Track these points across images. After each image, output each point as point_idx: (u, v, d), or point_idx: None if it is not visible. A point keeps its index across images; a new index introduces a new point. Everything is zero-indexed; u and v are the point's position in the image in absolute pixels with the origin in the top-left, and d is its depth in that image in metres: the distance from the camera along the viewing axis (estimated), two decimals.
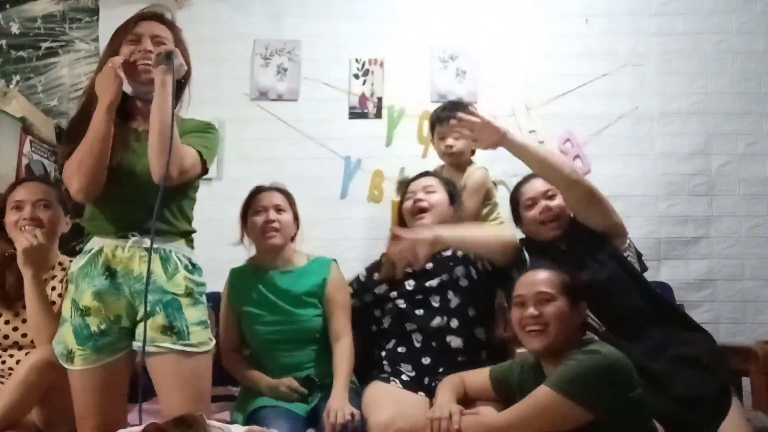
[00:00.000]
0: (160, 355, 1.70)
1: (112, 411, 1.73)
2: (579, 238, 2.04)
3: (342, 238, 3.02)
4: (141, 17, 1.81)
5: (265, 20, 3.27)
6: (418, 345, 2.10)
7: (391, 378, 2.06)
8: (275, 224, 2.20)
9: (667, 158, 3.11)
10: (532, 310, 1.68)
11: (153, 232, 1.66)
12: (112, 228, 1.75)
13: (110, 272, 1.72)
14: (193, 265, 1.82)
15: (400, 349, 2.13)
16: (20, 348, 2.06)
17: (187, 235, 1.86)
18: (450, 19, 3.22)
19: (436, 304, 2.12)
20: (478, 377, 1.88)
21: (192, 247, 1.86)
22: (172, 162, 1.67)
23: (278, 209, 2.23)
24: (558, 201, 2.10)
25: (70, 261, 2.17)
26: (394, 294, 2.19)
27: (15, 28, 3.32)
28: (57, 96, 3.28)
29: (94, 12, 3.32)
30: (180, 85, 1.80)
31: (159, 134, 1.65)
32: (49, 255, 2.10)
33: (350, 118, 3.20)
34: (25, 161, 2.89)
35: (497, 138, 1.98)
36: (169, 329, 1.71)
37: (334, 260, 2.30)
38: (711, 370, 1.81)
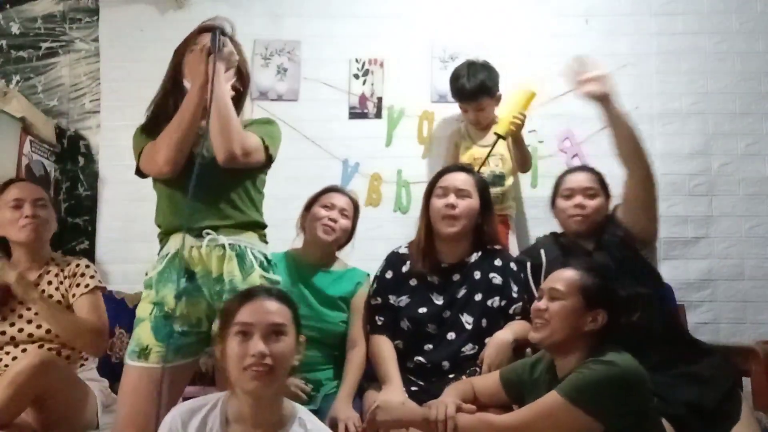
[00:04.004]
0: None
1: (159, 416, 1.60)
2: (608, 242, 2.03)
3: None
4: (202, 29, 1.84)
5: (265, 20, 3.27)
6: (429, 366, 2.04)
7: None
8: (335, 224, 2.23)
9: (667, 158, 3.10)
10: (539, 303, 1.70)
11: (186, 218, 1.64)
12: (186, 226, 1.73)
13: (189, 274, 1.71)
14: (269, 261, 1.82)
15: (410, 363, 2.07)
16: (16, 345, 2.07)
17: (259, 228, 1.85)
18: (450, 19, 3.22)
19: (459, 323, 2.06)
20: (488, 380, 1.85)
21: (266, 242, 1.86)
22: (234, 140, 1.69)
23: (343, 213, 2.27)
24: (596, 202, 2.09)
25: (74, 262, 2.21)
26: (423, 309, 2.10)
27: (15, 28, 3.31)
28: (57, 96, 3.27)
29: (94, 12, 3.31)
30: (240, 93, 1.87)
31: (217, 113, 1.68)
32: (43, 252, 2.20)
33: (350, 118, 3.20)
34: (25, 161, 2.89)
35: (603, 94, 1.90)
36: None
37: (369, 274, 2.32)
38: (711, 383, 1.81)
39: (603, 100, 1.91)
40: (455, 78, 2.81)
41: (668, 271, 3.01)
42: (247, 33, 3.24)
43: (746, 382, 2.16)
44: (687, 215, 3.07)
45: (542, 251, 2.16)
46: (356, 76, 3.22)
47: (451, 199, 2.09)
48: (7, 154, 2.80)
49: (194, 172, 1.64)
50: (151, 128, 1.81)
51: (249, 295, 1.49)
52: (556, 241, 2.18)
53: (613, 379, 1.52)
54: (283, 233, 2.74)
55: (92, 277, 2.19)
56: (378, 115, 3.19)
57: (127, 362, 1.72)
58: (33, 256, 2.18)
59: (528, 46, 3.18)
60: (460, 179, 2.15)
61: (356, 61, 3.22)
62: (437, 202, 2.13)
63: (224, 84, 1.72)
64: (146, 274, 1.80)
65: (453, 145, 2.95)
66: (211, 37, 1.73)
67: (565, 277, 1.69)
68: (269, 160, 1.85)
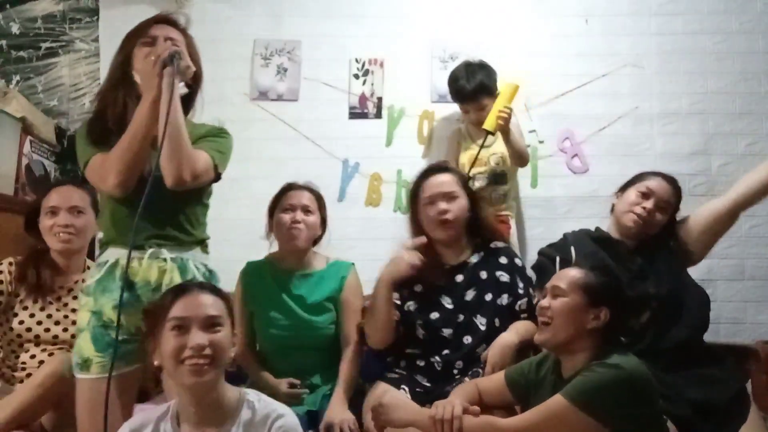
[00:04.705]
0: None
1: (116, 424, 1.64)
2: (650, 247, 2.05)
3: (341, 238, 3.01)
4: (155, 21, 1.82)
5: (265, 20, 3.27)
6: (438, 368, 2.02)
7: (402, 386, 1.98)
8: (300, 225, 2.18)
9: (667, 158, 3.10)
10: (543, 301, 1.70)
11: (132, 237, 1.60)
12: (127, 239, 1.69)
13: (128, 284, 1.69)
14: (210, 271, 1.82)
15: (421, 362, 2.05)
16: (38, 344, 2.07)
17: (203, 243, 1.85)
18: (450, 19, 3.22)
19: (474, 325, 2.04)
20: (493, 381, 1.84)
21: (207, 252, 1.85)
22: (185, 165, 1.66)
23: (306, 210, 2.21)
24: (662, 217, 2.09)
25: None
26: (435, 315, 2.07)
27: (15, 28, 3.31)
28: (57, 96, 3.28)
29: (94, 12, 3.31)
30: (191, 92, 1.81)
31: (169, 138, 1.63)
32: (79, 259, 2.22)
33: (350, 118, 3.20)
34: (25, 161, 2.89)
35: None
36: None
37: (353, 264, 2.29)
38: (721, 383, 1.81)
39: None
40: (454, 80, 2.81)
41: None
42: (247, 33, 3.25)
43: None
44: (687, 215, 3.06)
45: (572, 248, 2.13)
46: (356, 76, 3.22)
47: (442, 205, 2.07)
48: (7, 154, 2.80)
49: (146, 191, 1.59)
50: (97, 132, 1.76)
51: (182, 290, 1.49)
52: (592, 238, 2.16)
53: (619, 383, 1.51)
54: None
55: None
56: (378, 115, 3.19)
57: (75, 374, 1.72)
58: (69, 262, 2.20)
59: (528, 46, 3.18)
60: (445, 183, 2.12)
61: (356, 61, 3.22)
62: (429, 211, 2.10)
63: (177, 103, 1.66)
64: (83, 281, 1.79)
65: (453, 145, 2.94)
66: (168, 58, 1.65)
67: (567, 275, 1.69)
68: (218, 177, 1.82)
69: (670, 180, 2.17)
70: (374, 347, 2.11)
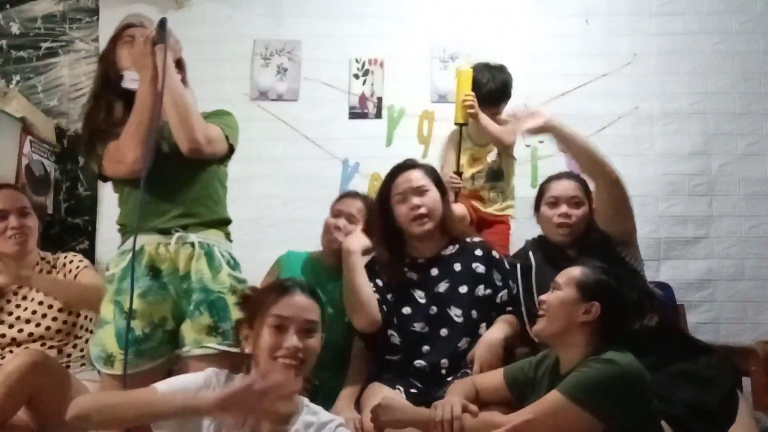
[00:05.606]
0: (205, 357, 1.65)
1: None
2: (590, 247, 2.03)
3: None
4: (126, 26, 1.84)
5: (265, 20, 3.27)
6: (427, 371, 2.00)
7: (397, 386, 1.96)
8: (339, 232, 2.23)
9: (667, 158, 3.10)
10: (543, 296, 1.74)
11: (136, 218, 1.62)
12: (152, 224, 1.72)
13: (154, 272, 1.69)
14: (235, 260, 1.82)
15: (411, 368, 2.03)
16: (18, 345, 2.07)
17: (225, 225, 1.85)
18: (450, 19, 3.22)
19: (448, 317, 2.03)
20: (491, 379, 1.84)
21: (231, 241, 1.86)
22: (197, 128, 1.68)
23: (351, 219, 2.25)
24: (581, 211, 2.09)
25: (62, 255, 2.23)
26: (407, 309, 2.07)
27: (15, 28, 3.32)
28: (57, 96, 3.28)
29: (94, 12, 3.32)
30: (182, 79, 1.81)
31: (174, 104, 1.66)
32: (30, 257, 2.20)
33: (350, 118, 3.20)
34: (25, 161, 2.89)
35: (544, 125, 1.94)
36: (214, 329, 1.67)
37: None
38: (713, 383, 1.81)
39: (547, 129, 1.96)
40: (476, 86, 2.73)
41: (668, 271, 3.02)
42: (247, 33, 3.25)
43: (746, 382, 2.16)
44: (687, 215, 3.08)
45: (530, 253, 2.17)
46: (356, 76, 3.22)
47: (415, 200, 2.08)
48: (7, 154, 2.80)
49: (146, 168, 1.62)
50: (97, 133, 1.79)
51: (285, 288, 1.52)
52: (541, 246, 2.18)
53: (614, 378, 1.52)
54: (283, 233, 2.77)
55: (81, 260, 2.24)
56: (378, 115, 3.19)
57: (98, 368, 1.71)
58: (20, 263, 2.17)
59: (528, 46, 3.18)
60: (414, 178, 2.12)
61: (356, 61, 3.22)
62: (401, 209, 2.10)
63: (175, 74, 1.70)
64: (107, 269, 1.79)
65: (453, 145, 2.94)
66: (157, 27, 1.71)
67: (567, 271, 1.73)
68: (231, 150, 1.84)
69: (566, 175, 2.19)
70: (363, 330, 2.09)
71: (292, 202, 2.97)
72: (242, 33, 3.26)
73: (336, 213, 2.29)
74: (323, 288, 2.20)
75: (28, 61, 3.30)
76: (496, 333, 1.97)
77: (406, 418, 1.69)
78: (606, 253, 1.99)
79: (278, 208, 3.09)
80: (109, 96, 1.81)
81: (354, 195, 2.35)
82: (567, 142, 1.98)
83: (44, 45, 3.30)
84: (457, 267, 2.10)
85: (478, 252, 2.13)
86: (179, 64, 1.83)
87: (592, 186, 2.10)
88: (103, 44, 3.26)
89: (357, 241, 2.08)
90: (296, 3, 3.28)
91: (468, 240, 2.17)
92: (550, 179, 2.22)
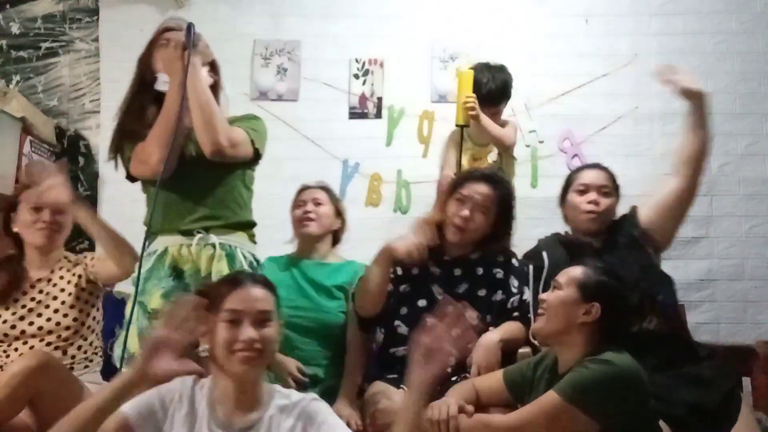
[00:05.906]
0: None
1: None
2: (616, 243, 2.03)
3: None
4: (165, 29, 1.85)
5: (265, 20, 3.27)
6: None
7: (401, 385, 1.92)
8: (311, 215, 2.27)
9: (667, 158, 3.08)
10: (543, 295, 1.74)
11: (150, 215, 1.64)
12: (175, 225, 1.75)
13: (177, 273, 1.71)
14: (257, 261, 1.84)
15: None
16: (26, 341, 2.07)
17: (249, 227, 1.86)
18: (450, 19, 3.22)
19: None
20: (491, 380, 1.83)
21: (254, 242, 1.88)
22: (220, 131, 1.70)
23: (317, 202, 2.30)
24: (609, 201, 2.09)
25: (81, 255, 2.24)
26: (422, 302, 2.05)
27: (15, 28, 3.32)
28: (57, 96, 3.28)
29: (94, 12, 3.32)
30: (214, 84, 1.85)
31: (199, 107, 1.69)
32: (55, 253, 2.20)
33: (350, 118, 3.21)
34: (25, 161, 2.89)
35: (700, 92, 2.05)
36: None
37: (367, 265, 2.31)
38: (713, 384, 1.82)
39: (697, 98, 2.01)
40: (476, 85, 2.68)
41: (668, 271, 2.95)
42: (247, 33, 3.25)
43: (746, 382, 2.17)
44: (687, 215, 3.07)
45: (544, 253, 2.14)
46: (356, 76, 3.22)
47: (465, 212, 2.04)
48: (7, 154, 2.80)
49: (168, 170, 1.65)
50: (128, 134, 1.82)
51: (236, 281, 1.52)
52: (561, 242, 2.17)
53: (611, 378, 1.52)
54: (283, 233, 2.73)
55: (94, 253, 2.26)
56: (378, 115, 3.19)
57: (121, 368, 1.71)
58: (45, 257, 2.20)
59: (528, 46, 3.18)
60: (481, 192, 2.07)
61: (356, 61, 3.22)
62: (452, 208, 2.07)
63: (202, 77, 1.73)
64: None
65: (454, 145, 2.94)
66: (185, 32, 1.73)
67: (568, 271, 1.72)
68: (257, 155, 1.85)
69: (597, 165, 2.19)
70: (360, 313, 2.10)
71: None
72: (242, 33, 3.26)
73: (300, 204, 2.32)
74: (302, 272, 2.24)
75: (28, 61, 3.30)
76: (492, 335, 1.96)
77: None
78: (637, 251, 2.01)
79: (278, 208, 3.08)
80: (144, 98, 1.84)
81: (307, 186, 2.38)
82: (700, 123, 2.03)
83: (44, 45, 3.30)
84: (480, 271, 2.10)
85: (500, 258, 2.14)
86: (213, 68, 1.86)
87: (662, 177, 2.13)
88: (103, 44, 3.29)
89: (404, 245, 1.99)
90: (296, 3, 3.28)
91: (494, 246, 2.16)
92: (581, 168, 2.22)
